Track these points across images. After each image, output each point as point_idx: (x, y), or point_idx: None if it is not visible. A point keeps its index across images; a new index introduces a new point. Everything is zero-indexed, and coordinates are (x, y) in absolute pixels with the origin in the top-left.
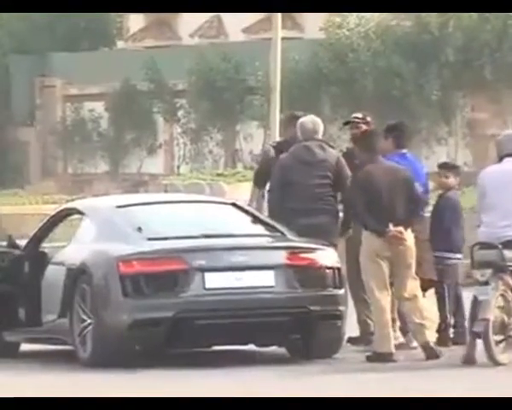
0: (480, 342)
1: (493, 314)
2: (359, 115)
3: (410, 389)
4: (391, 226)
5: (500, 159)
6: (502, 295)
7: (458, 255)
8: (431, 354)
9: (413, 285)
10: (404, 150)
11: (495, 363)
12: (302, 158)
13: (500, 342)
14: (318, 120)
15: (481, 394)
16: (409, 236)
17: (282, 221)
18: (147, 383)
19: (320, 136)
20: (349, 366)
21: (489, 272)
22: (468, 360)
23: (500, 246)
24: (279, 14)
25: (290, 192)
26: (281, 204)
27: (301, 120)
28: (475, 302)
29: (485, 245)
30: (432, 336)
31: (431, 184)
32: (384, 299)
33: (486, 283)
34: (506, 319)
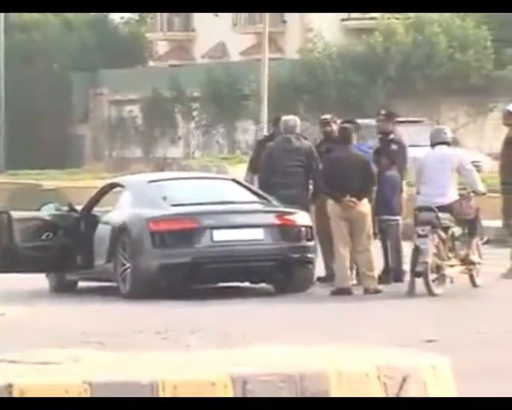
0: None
1: (430, 259)
2: (328, 116)
3: (361, 310)
4: (348, 197)
5: (433, 146)
6: (436, 246)
7: (397, 217)
8: (375, 291)
9: (367, 242)
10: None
11: (431, 294)
12: (283, 146)
13: (435, 280)
14: (297, 119)
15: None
16: (365, 204)
17: (269, 192)
18: (169, 310)
19: (298, 130)
20: (317, 297)
21: (427, 228)
22: (410, 293)
23: (436, 209)
24: (266, 41)
25: (274, 171)
26: (268, 179)
27: (284, 118)
28: (416, 250)
29: (425, 208)
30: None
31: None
32: (344, 249)
33: (426, 236)
34: (439, 262)
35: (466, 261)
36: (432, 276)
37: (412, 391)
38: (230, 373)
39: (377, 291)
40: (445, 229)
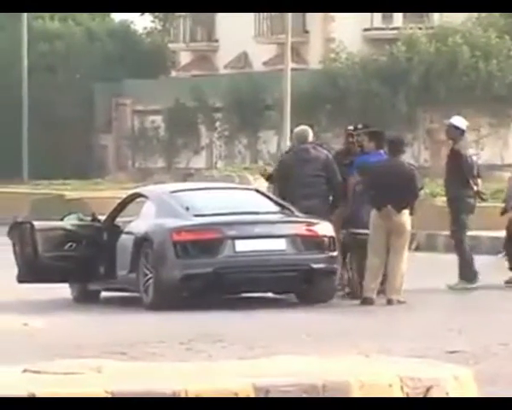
0: None
1: None
2: (352, 127)
3: (384, 321)
4: (389, 207)
5: None
6: None
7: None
8: (398, 302)
9: (402, 254)
10: (382, 150)
11: None
12: (301, 156)
13: None
14: (308, 129)
15: None
16: (406, 216)
17: (288, 203)
18: (191, 320)
19: (310, 140)
20: (340, 307)
21: None
22: None
23: None
24: (289, 51)
25: (293, 182)
26: (285, 190)
27: (295, 130)
28: None
29: None
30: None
31: None
32: (375, 259)
33: None
34: None
35: None
36: None
37: None
38: (253, 383)
39: (400, 302)
40: None
